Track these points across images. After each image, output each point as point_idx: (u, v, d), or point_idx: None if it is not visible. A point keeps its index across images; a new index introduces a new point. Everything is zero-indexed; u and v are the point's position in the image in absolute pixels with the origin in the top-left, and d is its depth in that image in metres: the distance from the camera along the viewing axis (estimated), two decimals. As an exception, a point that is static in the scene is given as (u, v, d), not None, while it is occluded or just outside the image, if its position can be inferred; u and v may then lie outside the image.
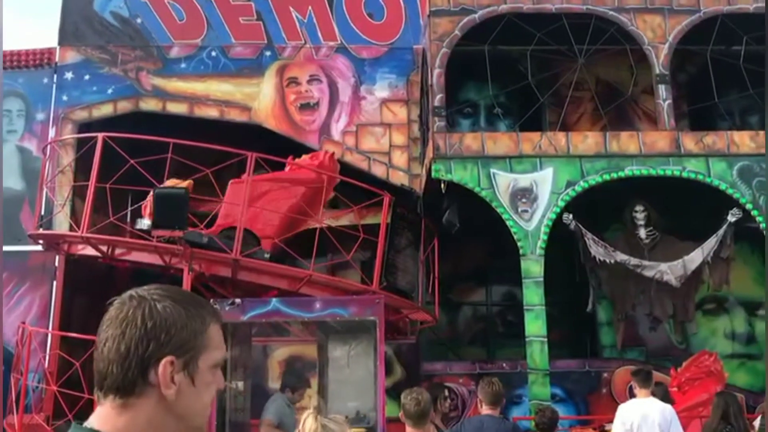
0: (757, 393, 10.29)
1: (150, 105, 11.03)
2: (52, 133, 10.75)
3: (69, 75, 11.03)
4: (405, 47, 11.43)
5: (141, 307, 1.28)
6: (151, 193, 7.70)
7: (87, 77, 11.01)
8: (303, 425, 2.80)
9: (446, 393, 7.65)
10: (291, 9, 11.57)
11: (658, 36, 9.73)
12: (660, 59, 9.65)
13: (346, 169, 10.37)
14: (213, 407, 6.32)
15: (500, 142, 9.42)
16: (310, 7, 11.58)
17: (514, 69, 10.84)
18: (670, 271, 9.16)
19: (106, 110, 10.91)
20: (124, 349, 1.25)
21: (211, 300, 6.73)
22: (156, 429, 1.27)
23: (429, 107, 9.73)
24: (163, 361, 1.26)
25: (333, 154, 9.70)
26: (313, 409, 2.90)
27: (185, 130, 9.50)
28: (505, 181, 9.14)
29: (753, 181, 9.22)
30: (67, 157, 10.19)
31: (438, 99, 9.45)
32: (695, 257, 9.20)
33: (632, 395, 8.47)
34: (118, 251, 8.53)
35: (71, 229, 9.07)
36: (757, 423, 5.59)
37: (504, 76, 10.71)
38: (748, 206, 9.14)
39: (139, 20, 11.44)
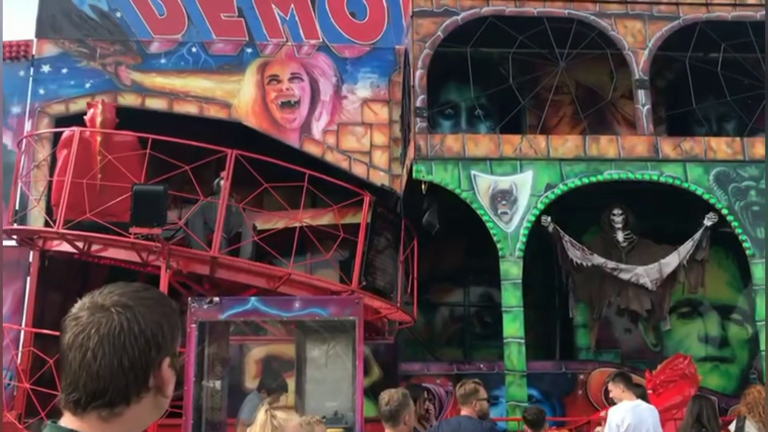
0: (730, 396, 10.44)
1: (129, 100, 10.90)
2: (27, 126, 10.58)
3: (46, 68, 10.87)
4: (387, 47, 11.43)
5: (133, 318, 1.25)
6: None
7: (64, 71, 10.86)
8: (256, 418, 2.93)
9: (425, 394, 7.66)
10: (273, 6, 11.51)
11: (638, 41, 9.83)
12: (640, 65, 9.75)
13: (326, 167, 10.34)
14: (189, 407, 6.26)
15: (481, 143, 9.45)
16: (292, 5, 11.53)
17: (495, 71, 10.89)
18: (646, 274, 9.26)
19: (83, 104, 10.72)
20: (128, 361, 1.23)
21: (189, 298, 6.67)
22: (141, 426, 1.27)
23: (410, 108, 9.73)
24: (164, 364, 1.27)
25: (104, 103, 9.06)
26: (266, 403, 2.99)
27: (164, 126, 9.40)
28: (485, 182, 9.17)
29: (729, 187, 9.36)
30: (43, 152, 10.04)
31: (420, 100, 9.45)
32: (671, 261, 9.31)
33: (608, 397, 8.56)
34: (94, 248, 8.42)
35: (46, 224, 8.94)
36: (732, 426, 5.66)
37: (485, 78, 10.75)
38: (724, 211, 9.27)
39: (118, 14, 11.31)
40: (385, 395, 4.26)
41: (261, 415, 2.90)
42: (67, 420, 1.24)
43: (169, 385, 1.28)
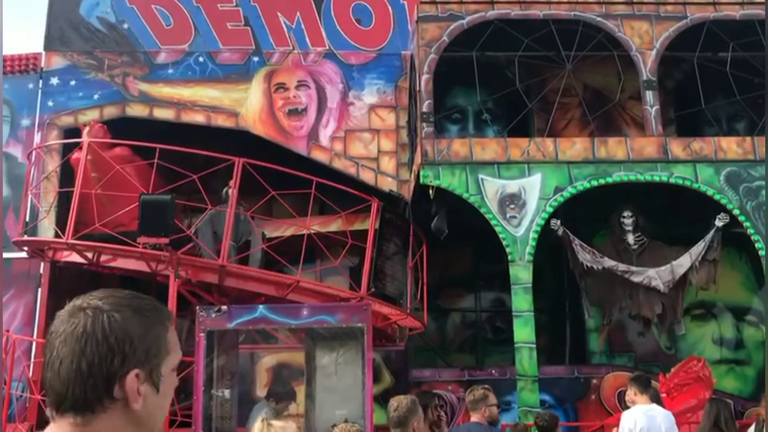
0: (746, 399, 10.31)
1: (136, 111, 10.95)
2: (37, 138, 10.65)
3: (55, 80, 10.95)
4: (393, 53, 11.42)
5: (99, 320, 1.20)
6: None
7: (73, 83, 10.93)
8: (253, 427, 2.95)
9: (436, 401, 7.60)
10: (279, 14, 11.54)
11: (645, 42, 9.77)
12: (647, 65, 9.68)
13: (334, 174, 10.34)
14: (198, 416, 6.24)
15: (488, 147, 9.42)
16: (298, 13, 11.56)
17: (501, 75, 10.86)
18: (658, 276, 9.17)
19: (92, 116, 10.82)
20: (86, 366, 1.17)
21: (198, 307, 6.68)
22: None
23: (417, 113, 9.71)
24: (129, 376, 1.20)
25: (96, 123, 9.29)
26: (264, 412, 3.03)
27: (172, 136, 9.43)
28: (493, 186, 9.13)
29: (740, 187, 9.26)
30: (53, 163, 10.10)
31: (426, 105, 9.44)
32: (683, 262, 9.22)
33: (621, 401, 8.47)
34: (103, 258, 8.44)
35: (56, 235, 8.97)
36: (751, 430, 5.58)
37: (492, 82, 10.72)
38: (735, 212, 9.17)
39: (125, 26, 11.38)
40: (394, 401, 4.25)
41: (257, 424, 2.91)
42: (48, 428, 1.22)
43: (138, 399, 1.20)
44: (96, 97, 10.91)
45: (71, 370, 1.18)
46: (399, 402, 4.21)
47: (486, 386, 5.34)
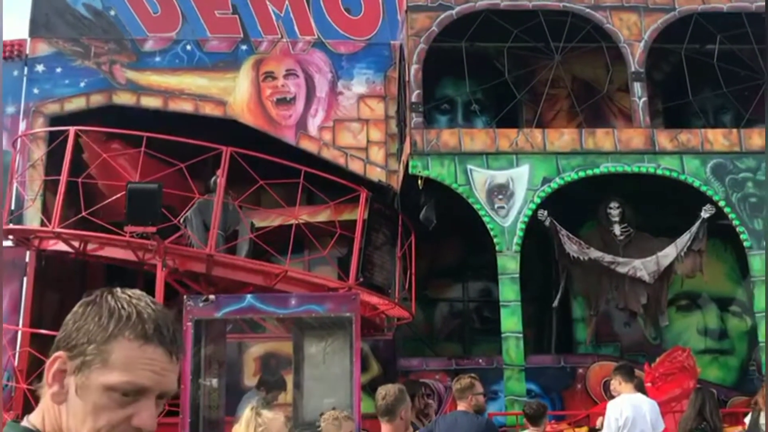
0: (729, 388, 10.44)
1: (123, 99, 10.86)
2: (22, 126, 10.54)
3: (40, 67, 10.83)
4: (382, 43, 11.39)
5: (86, 303, 1.20)
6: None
7: (59, 70, 10.82)
8: (242, 416, 2.96)
9: (423, 389, 7.65)
10: (267, 3, 11.47)
11: (633, 34, 9.79)
12: (635, 57, 9.72)
13: (323, 164, 10.32)
14: (186, 405, 6.24)
15: (477, 138, 9.43)
16: (286, 1, 11.49)
17: (491, 65, 10.86)
18: (643, 267, 9.24)
19: (78, 103, 10.73)
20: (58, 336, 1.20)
21: (185, 296, 6.65)
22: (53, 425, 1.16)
23: (406, 103, 9.70)
24: (54, 354, 1.15)
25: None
26: (255, 401, 3.04)
27: (159, 124, 9.38)
28: (481, 177, 9.15)
29: (726, 179, 9.34)
30: (39, 151, 10.01)
31: (415, 95, 9.43)
32: (669, 253, 9.29)
33: (607, 390, 8.54)
34: (90, 247, 8.39)
35: (42, 224, 8.91)
36: (747, 418, 5.64)
37: (481, 73, 10.72)
38: (721, 203, 9.25)
39: (112, 12, 11.27)
40: (382, 390, 4.27)
41: (246, 412, 2.91)
42: None
43: (51, 385, 1.15)
44: (82, 84, 10.80)
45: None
46: (387, 391, 4.23)
47: (472, 375, 5.37)
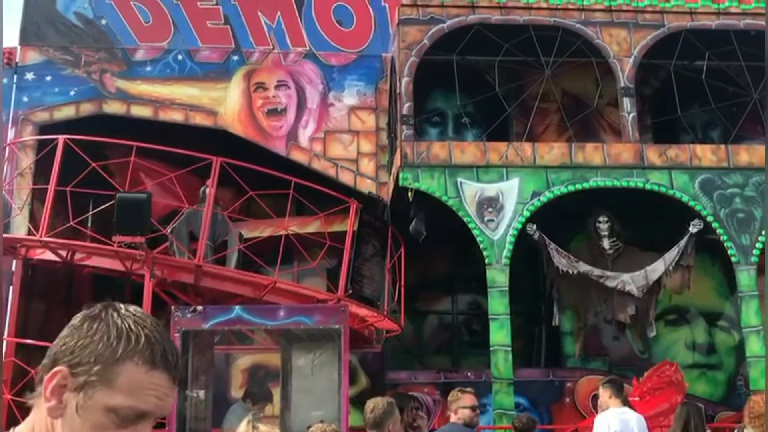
0: (716, 403, 10.46)
1: (113, 108, 10.83)
2: (11, 134, 10.48)
3: (30, 76, 10.78)
4: (374, 55, 11.42)
5: (89, 317, 1.17)
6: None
7: (48, 78, 10.78)
8: (238, 429, 2.92)
9: (413, 402, 7.60)
10: (259, 14, 11.49)
11: (623, 49, 9.88)
12: (625, 72, 9.79)
13: (313, 175, 10.31)
14: (173, 417, 6.18)
15: (467, 151, 9.45)
16: (278, 13, 11.51)
17: (481, 79, 10.91)
18: (632, 281, 9.27)
19: (68, 112, 10.69)
20: (51, 347, 1.17)
21: (173, 307, 6.61)
22: None
23: (397, 115, 9.73)
24: (55, 368, 1.13)
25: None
26: (250, 414, 3.01)
27: (150, 134, 9.35)
28: (471, 190, 9.17)
29: (714, 194, 9.40)
30: (27, 159, 9.95)
31: (406, 107, 9.45)
32: (657, 267, 9.33)
33: (596, 405, 8.53)
34: (77, 256, 8.33)
35: (29, 232, 8.84)
36: None
37: (472, 86, 10.77)
38: (709, 218, 9.31)
39: (103, 21, 11.25)
40: (371, 403, 4.25)
41: (243, 425, 2.88)
42: None
43: (48, 399, 1.12)
44: (72, 93, 10.76)
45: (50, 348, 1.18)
46: (375, 404, 4.21)
47: (462, 388, 5.36)
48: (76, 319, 1.18)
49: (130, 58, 11.08)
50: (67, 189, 8.01)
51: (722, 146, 9.82)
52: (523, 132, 10.62)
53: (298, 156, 10.87)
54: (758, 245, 9.28)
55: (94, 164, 7.94)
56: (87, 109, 10.76)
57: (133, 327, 1.16)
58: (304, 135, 10.96)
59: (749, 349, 9.08)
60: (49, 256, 8.39)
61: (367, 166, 10.89)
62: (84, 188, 8.01)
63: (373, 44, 11.51)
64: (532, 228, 9.13)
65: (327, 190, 9.19)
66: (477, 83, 10.87)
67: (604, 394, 6.24)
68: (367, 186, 10.77)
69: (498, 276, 8.92)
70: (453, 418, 5.17)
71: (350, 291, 8.75)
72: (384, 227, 9.73)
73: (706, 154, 9.61)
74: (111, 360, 1.13)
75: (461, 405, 5.13)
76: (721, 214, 9.33)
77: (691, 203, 9.33)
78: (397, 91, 9.66)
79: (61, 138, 8.37)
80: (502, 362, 8.66)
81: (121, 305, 1.21)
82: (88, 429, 1.11)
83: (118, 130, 9.55)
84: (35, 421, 1.15)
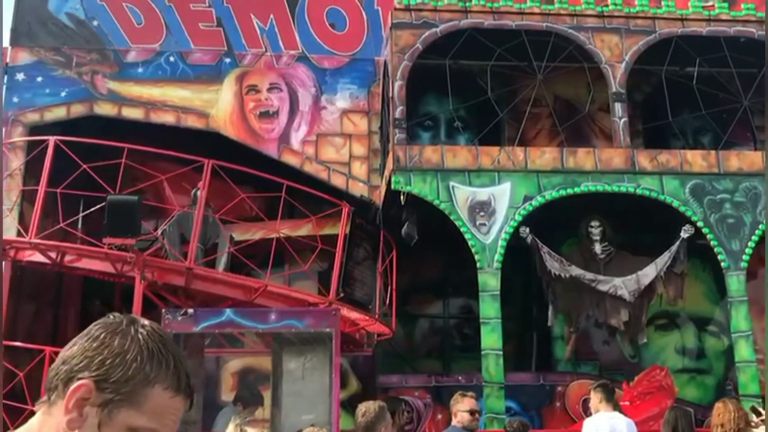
0: (706, 407, 10.48)
1: (105, 109, 10.78)
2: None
3: (20, 76, 10.73)
4: (367, 59, 11.43)
5: (116, 332, 1.16)
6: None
7: (39, 79, 10.72)
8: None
9: (403, 406, 7.61)
10: (252, 16, 11.48)
11: (615, 55, 9.92)
12: (617, 78, 9.83)
13: (305, 178, 10.30)
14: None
15: (459, 155, 9.47)
16: (271, 15, 11.50)
17: (474, 83, 10.93)
18: (623, 285, 9.30)
19: (58, 113, 10.64)
20: (69, 355, 1.16)
21: (163, 310, 6.58)
22: None
23: (389, 119, 9.73)
24: (79, 381, 1.12)
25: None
26: (238, 417, 2.99)
27: (141, 135, 9.31)
28: (463, 194, 9.18)
29: (704, 200, 9.45)
30: (17, 161, 9.89)
31: (398, 111, 9.46)
32: (649, 272, 9.36)
33: (586, 409, 8.55)
34: (67, 258, 8.28)
35: (19, 234, 8.78)
36: None
37: (464, 90, 10.79)
38: (700, 224, 9.35)
39: (95, 23, 11.21)
40: (362, 407, 4.25)
41: (230, 429, 2.87)
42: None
43: (70, 412, 1.12)
44: (63, 94, 10.71)
45: (65, 355, 1.16)
46: (367, 408, 4.21)
47: (464, 392, 5.39)
48: (99, 332, 1.17)
49: (121, 60, 11.04)
50: (58, 191, 7.97)
51: (712, 152, 9.87)
52: (515, 136, 10.65)
53: (290, 159, 10.85)
54: (748, 250, 9.33)
55: (85, 166, 7.90)
56: (78, 110, 10.71)
57: (162, 350, 1.17)
58: (296, 138, 10.95)
59: (738, 354, 9.12)
60: (38, 258, 8.33)
61: (359, 169, 10.89)
62: (74, 190, 7.96)
63: (366, 48, 11.51)
64: (525, 231, 9.15)
65: (319, 193, 9.18)
66: (469, 87, 10.90)
67: (595, 398, 6.25)
68: (359, 189, 10.76)
69: (489, 280, 8.93)
70: (453, 421, 5.19)
71: (342, 294, 8.74)
72: (376, 231, 9.73)
73: (696, 159, 9.66)
74: (143, 383, 1.14)
75: (460, 408, 5.15)
76: (711, 219, 9.38)
77: (682, 208, 9.38)
78: (390, 94, 9.66)
79: (51, 139, 8.32)
80: (493, 366, 8.67)
81: (142, 320, 1.22)
82: None
83: (110, 131, 9.51)
84: (42, 426, 1.15)
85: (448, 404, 5.61)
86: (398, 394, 9.66)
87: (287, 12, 11.55)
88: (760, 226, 9.41)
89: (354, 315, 9.02)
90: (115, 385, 1.12)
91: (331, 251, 8.74)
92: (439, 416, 9.68)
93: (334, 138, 11.00)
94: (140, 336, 1.17)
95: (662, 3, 10.38)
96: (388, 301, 9.64)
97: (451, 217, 9.10)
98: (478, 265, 8.98)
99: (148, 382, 1.14)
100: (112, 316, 1.21)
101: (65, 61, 10.88)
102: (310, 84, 11.20)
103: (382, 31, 11.24)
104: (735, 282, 9.25)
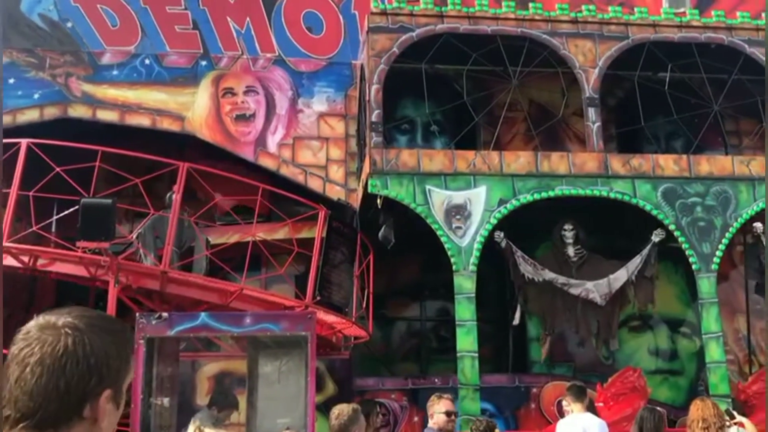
0: (678, 408, 10.64)
1: (79, 112, 10.68)
2: (-29, 137, 10.26)
3: (-7, 78, 10.59)
4: (344, 62, 11.45)
5: (80, 341, 1.20)
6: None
7: (12, 81, 10.59)
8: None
9: (378, 408, 7.63)
10: (228, 19, 11.44)
11: (588, 60, 10.05)
12: (590, 83, 9.96)
13: (282, 182, 10.29)
14: (137, 424, 6.11)
15: (436, 159, 9.52)
16: (247, 18, 11.48)
17: (450, 87, 11.00)
18: (595, 289, 9.41)
19: (31, 115, 10.52)
20: (64, 385, 1.17)
21: (138, 314, 6.54)
22: None
23: (366, 122, 9.76)
24: (104, 396, 1.21)
25: None
26: (197, 420, 2.99)
27: (116, 138, 9.25)
28: (440, 197, 9.23)
29: (676, 203, 9.59)
30: (-12, 163, 9.74)
31: (375, 114, 9.49)
32: (620, 276, 9.48)
33: (560, 410, 8.64)
34: (40, 262, 8.19)
35: (-10, 238, 8.66)
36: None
37: (440, 94, 10.86)
38: (672, 227, 9.49)
39: (69, 24, 11.10)
40: (336, 410, 4.27)
41: (190, 429, 2.87)
42: None
43: (105, 418, 1.22)
44: (36, 96, 10.60)
45: (49, 389, 1.17)
46: (341, 411, 4.23)
47: (441, 394, 5.41)
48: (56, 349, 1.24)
49: (96, 62, 10.95)
50: (30, 194, 7.88)
51: (684, 156, 10.03)
52: (490, 140, 10.74)
53: (266, 162, 10.83)
54: (718, 253, 9.50)
55: (58, 169, 7.82)
56: (51, 112, 10.60)
57: (119, 321, 1.41)
58: (273, 141, 10.93)
59: (709, 355, 9.27)
60: (10, 261, 8.22)
61: (336, 172, 10.90)
62: (48, 193, 7.88)
63: (343, 51, 11.53)
64: (499, 236, 9.22)
65: (296, 196, 9.18)
66: (445, 92, 10.96)
67: (568, 400, 6.33)
68: (335, 193, 10.77)
69: (465, 283, 8.99)
70: (430, 423, 5.22)
71: (318, 298, 8.74)
72: (353, 234, 9.74)
73: (668, 163, 9.81)
74: (131, 354, 1.32)
75: (437, 410, 5.18)
76: (683, 222, 9.53)
77: (654, 212, 9.51)
78: (367, 98, 9.69)
79: (24, 142, 8.23)
80: (468, 368, 8.72)
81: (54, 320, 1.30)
82: (119, 411, 1.29)
83: (85, 134, 9.42)
84: None
85: (425, 406, 5.64)
86: (375, 396, 9.67)
87: (264, 15, 11.53)
88: (731, 229, 9.58)
89: (330, 318, 9.02)
90: (119, 375, 1.26)
91: (307, 255, 8.73)
92: (416, 418, 9.72)
93: (311, 141, 11.01)
94: (97, 335, 1.25)
95: (635, 9, 10.54)
96: (364, 304, 9.66)
97: (428, 221, 9.15)
98: (454, 267, 9.04)
99: (131, 349, 1.30)
100: (38, 332, 1.23)
101: (38, 63, 10.77)
102: (287, 87, 11.20)
103: (359, 34, 11.27)
104: (706, 284, 9.41)
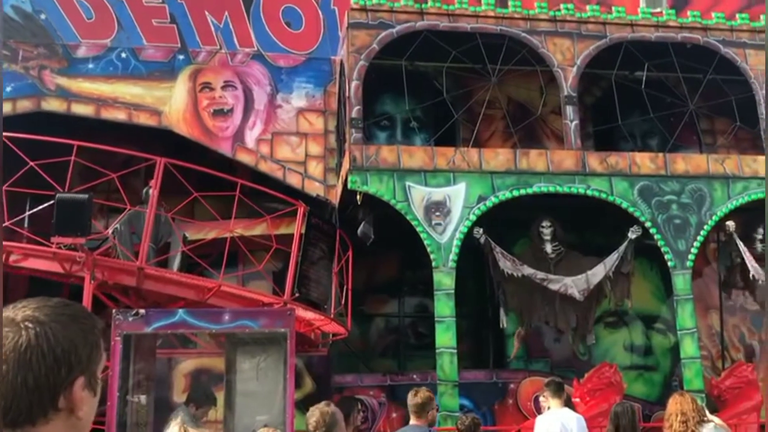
0: (653, 403, 10.78)
1: (53, 105, 10.52)
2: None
3: (-36, 70, 10.38)
4: (323, 58, 11.40)
5: (42, 332, 1.18)
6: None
7: (-17, 73, 10.39)
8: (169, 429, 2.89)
9: (359, 406, 7.62)
10: (206, 13, 11.33)
11: (567, 59, 10.11)
12: (568, 81, 10.03)
13: (260, 177, 10.22)
14: (113, 422, 6.03)
15: (415, 155, 9.53)
16: (226, 13, 11.38)
17: (430, 84, 11.01)
18: (574, 284, 9.49)
19: (4, 109, 10.33)
20: (32, 380, 1.16)
21: (114, 310, 6.46)
22: None
23: (346, 118, 9.73)
24: (76, 385, 1.19)
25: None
26: (179, 416, 2.97)
27: (92, 133, 9.12)
28: (419, 194, 9.24)
29: (652, 201, 9.71)
30: (-41, 157, 9.56)
31: (355, 111, 9.47)
32: (598, 272, 9.58)
33: (537, 406, 8.71)
34: (12, 258, 8.04)
35: (-39, 233, 8.50)
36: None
37: (420, 91, 10.86)
38: (648, 224, 9.61)
39: (43, 16, 10.92)
40: (312, 418, 4.05)
41: (174, 429, 2.84)
42: None
43: (83, 406, 1.20)
44: (9, 89, 10.40)
45: (17, 386, 1.15)
46: (317, 420, 4.04)
47: (418, 388, 5.35)
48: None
49: (71, 55, 10.78)
50: (2, 188, 7.73)
51: (660, 154, 10.15)
52: (469, 137, 10.77)
53: (244, 157, 10.76)
54: (693, 250, 9.63)
55: (32, 163, 7.69)
56: (25, 106, 10.42)
57: (82, 307, 1.34)
58: (251, 136, 10.85)
59: (684, 350, 9.40)
60: (-18, 257, 8.08)
61: (315, 168, 10.86)
62: (20, 188, 7.74)
63: (322, 47, 11.48)
64: (478, 232, 9.26)
65: (274, 192, 9.12)
66: (425, 88, 10.97)
67: (546, 395, 6.37)
68: (314, 189, 10.73)
69: (444, 279, 9.01)
70: (414, 420, 5.14)
71: (297, 294, 8.70)
72: (332, 230, 9.71)
73: (644, 161, 9.92)
74: (99, 340, 1.29)
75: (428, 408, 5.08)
76: (659, 220, 9.64)
77: (630, 209, 9.62)
78: (346, 94, 9.66)
79: (-3, 137, 8.07)
80: (447, 364, 8.75)
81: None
82: (97, 396, 1.26)
83: (60, 128, 9.27)
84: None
85: (403, 403, 5.63)
86: (353, 393, 9.66)
87: (242, 9, 11.44)
88: (705, 227, 9.72)
89: (309, 315, 8.99)
90: (90, 361, 1.24)
91: (286, 251, 8.69)
92: (394, 414, 9.74)
93: (289, 137, 10.95)
94: (61, 324, 1.24)
95: (613, 9, 10.63)
96: (343, 301, 9.64)
97: (407, 217, 9.16)
98: (433, 264, 9.06)
99: (98, 334, 1.28)
100: (5, 329, 1.21)
101: (11, 56, 10.57)
102: (266, 82, 11.12)
103: (338, 30, 11.23)
104: (681, 281, 9.53)
